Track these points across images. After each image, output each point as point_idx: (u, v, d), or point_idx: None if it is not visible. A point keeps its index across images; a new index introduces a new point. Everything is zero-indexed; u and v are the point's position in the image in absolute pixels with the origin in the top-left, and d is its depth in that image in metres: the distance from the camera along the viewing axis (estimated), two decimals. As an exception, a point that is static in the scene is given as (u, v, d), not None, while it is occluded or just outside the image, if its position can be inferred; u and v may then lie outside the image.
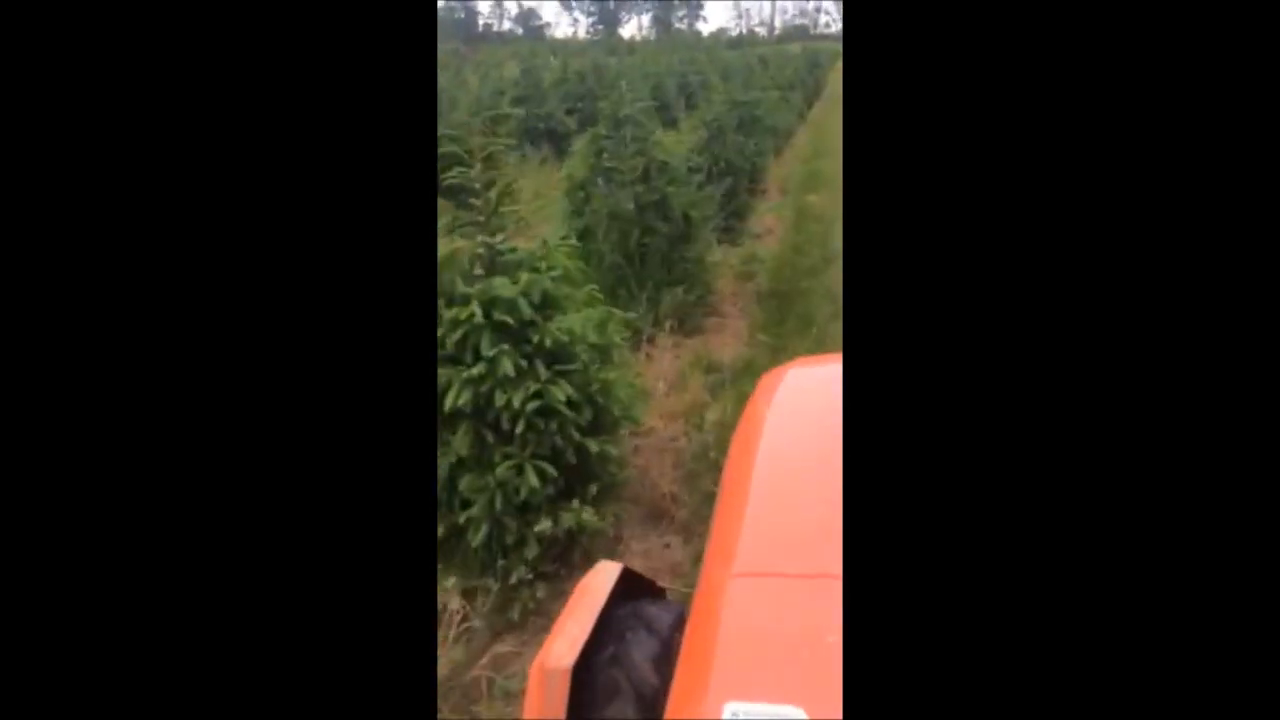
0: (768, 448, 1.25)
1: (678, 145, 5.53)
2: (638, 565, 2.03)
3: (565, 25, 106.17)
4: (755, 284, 5.05)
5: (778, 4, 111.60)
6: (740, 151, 6.37)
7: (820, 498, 1.01)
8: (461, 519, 2.04)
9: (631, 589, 1.25)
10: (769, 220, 6.92)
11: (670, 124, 10.70)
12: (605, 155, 4.09)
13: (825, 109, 18.78)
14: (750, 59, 22.58)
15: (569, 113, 10.98)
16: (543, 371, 2.01)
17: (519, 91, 11.11)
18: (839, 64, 32.80)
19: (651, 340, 3.79)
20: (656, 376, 3.48)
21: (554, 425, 2.01)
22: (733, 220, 6.13)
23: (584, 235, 3.90)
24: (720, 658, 0.87)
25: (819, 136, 12.99)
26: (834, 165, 9.56)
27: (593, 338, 2.20)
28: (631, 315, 2.94)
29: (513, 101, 11.13)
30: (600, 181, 3.93)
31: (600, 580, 1.17)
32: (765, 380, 1.55)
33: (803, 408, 1.41)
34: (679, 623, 1.15)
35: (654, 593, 1.38)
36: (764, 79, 13.84)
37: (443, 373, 1.99)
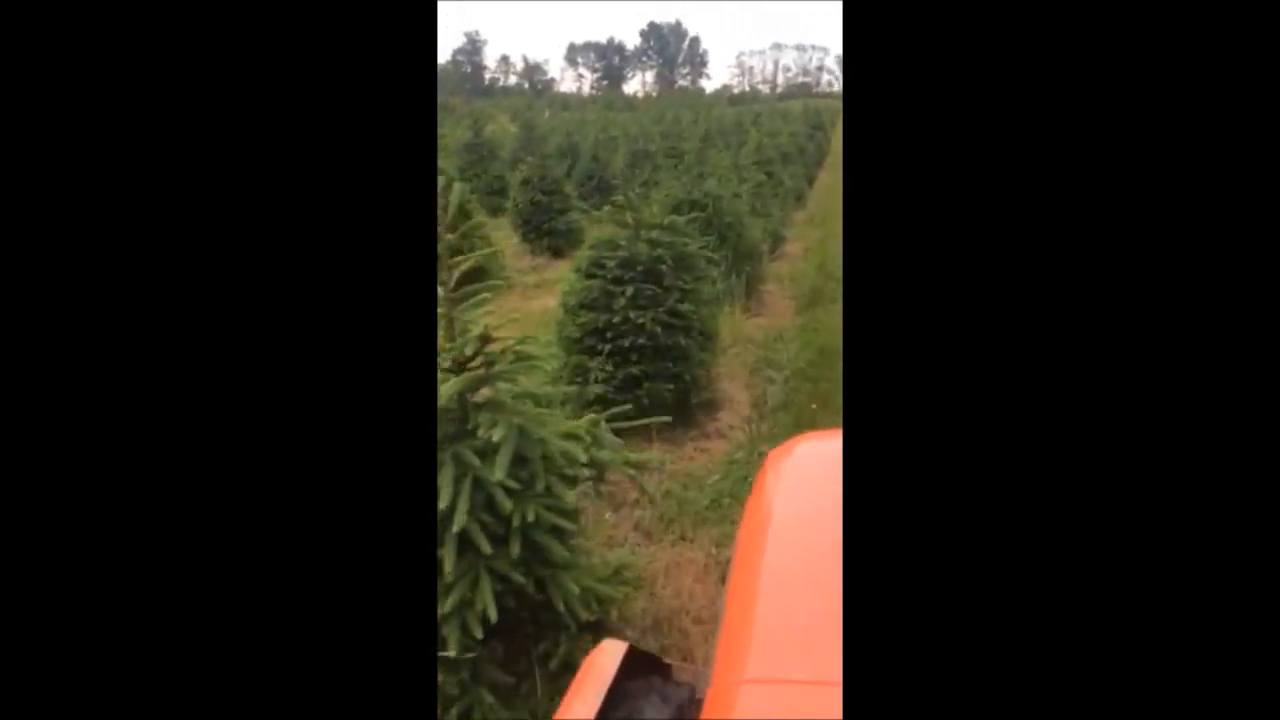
0: (777, 535, 1.27)
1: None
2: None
3: (570, 81, 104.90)
4: None
5: (780, 62, 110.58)
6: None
7: (827, 590, 1.04)
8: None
9: (637, 667, 1.26)
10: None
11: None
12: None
13: (828, 184, 14.84)
14: (744, 119, 18.93)
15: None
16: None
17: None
18: (841, 123, 29.24)
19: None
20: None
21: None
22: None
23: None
24: None
25: (825, 243, 8.64)
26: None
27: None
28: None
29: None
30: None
31: (606, 658, 1.21)
32: (772, 457, 1.56)
33: (811, 490, 1.42)
34: (690, 703, 1.23)
35: (660, 670, 1.35)
36: (750, 147, 9.91)
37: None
